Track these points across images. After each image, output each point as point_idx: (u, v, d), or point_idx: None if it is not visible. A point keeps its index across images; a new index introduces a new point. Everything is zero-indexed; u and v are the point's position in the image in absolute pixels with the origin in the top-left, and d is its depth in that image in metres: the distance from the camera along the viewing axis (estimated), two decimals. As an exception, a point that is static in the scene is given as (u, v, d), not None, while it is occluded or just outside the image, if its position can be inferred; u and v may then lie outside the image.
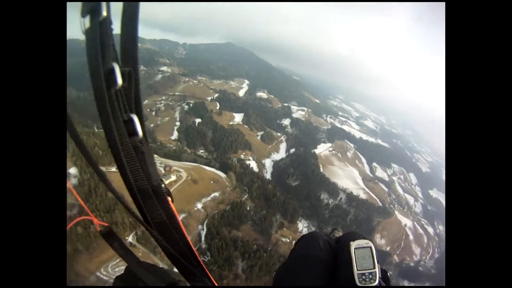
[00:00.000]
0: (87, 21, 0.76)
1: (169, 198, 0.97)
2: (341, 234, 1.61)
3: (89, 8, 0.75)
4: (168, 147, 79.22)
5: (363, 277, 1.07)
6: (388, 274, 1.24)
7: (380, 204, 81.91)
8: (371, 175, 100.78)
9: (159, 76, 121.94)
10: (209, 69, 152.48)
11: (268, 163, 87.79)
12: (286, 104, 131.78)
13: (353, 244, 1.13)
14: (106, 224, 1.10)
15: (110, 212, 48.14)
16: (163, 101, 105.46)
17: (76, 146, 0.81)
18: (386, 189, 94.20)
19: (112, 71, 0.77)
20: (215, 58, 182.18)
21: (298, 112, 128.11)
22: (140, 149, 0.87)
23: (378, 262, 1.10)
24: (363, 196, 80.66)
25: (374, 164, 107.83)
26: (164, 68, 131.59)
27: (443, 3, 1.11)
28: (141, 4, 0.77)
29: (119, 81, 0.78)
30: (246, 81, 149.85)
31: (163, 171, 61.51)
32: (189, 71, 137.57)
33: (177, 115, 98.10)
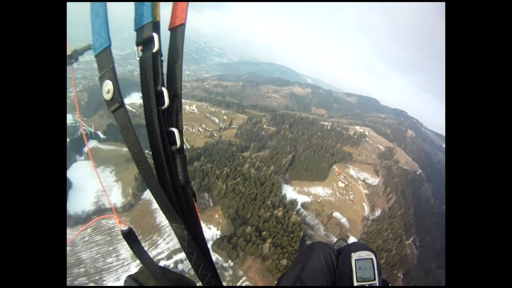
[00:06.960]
0: (141, 50, 0.97)
1: (194, 199, 1.10)
2: (345, 244, 1.59)
3: (143, 40, 0.95)
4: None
5: None
6: (389, 285, 1.29)
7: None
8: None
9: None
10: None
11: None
12: None
13: (354, 256, 1.11)
14: (128, 225, 1.19)
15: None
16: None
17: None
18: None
19: (161, 94, 0.97)
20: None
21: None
22: (176, 156, 1.03)
23: (379, 274, 1.10)
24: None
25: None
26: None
27: (443, 3, 1.14)
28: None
29: (167, 101, 0.98)
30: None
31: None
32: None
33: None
